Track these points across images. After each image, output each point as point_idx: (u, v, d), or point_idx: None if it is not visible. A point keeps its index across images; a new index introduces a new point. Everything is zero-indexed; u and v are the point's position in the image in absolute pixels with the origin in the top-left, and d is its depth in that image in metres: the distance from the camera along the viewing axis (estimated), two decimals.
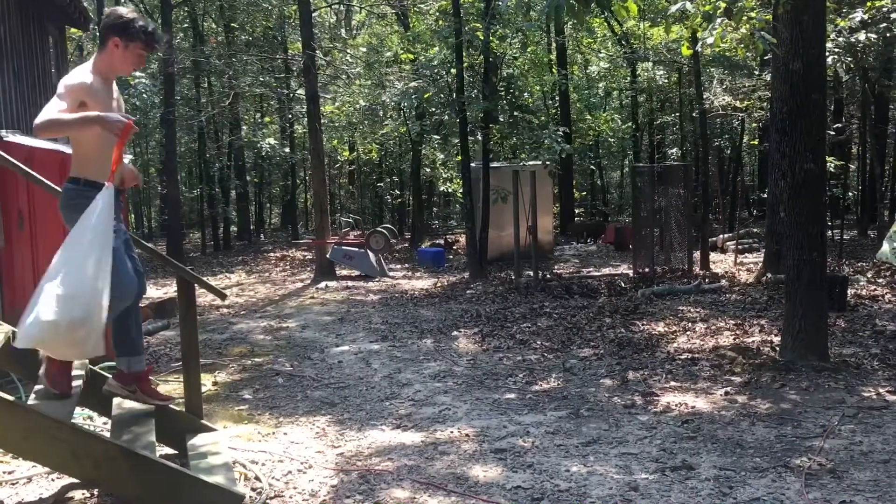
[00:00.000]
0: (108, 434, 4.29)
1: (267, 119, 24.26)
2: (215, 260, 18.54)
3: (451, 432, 5.21)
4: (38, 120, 3.45)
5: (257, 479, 4.39)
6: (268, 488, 4.24)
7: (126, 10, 3.85)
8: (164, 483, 3.66)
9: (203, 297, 10.76)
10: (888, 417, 5.13)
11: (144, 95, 16.86)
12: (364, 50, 20.24)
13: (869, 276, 11.28)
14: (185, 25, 21.18)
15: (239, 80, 19.04)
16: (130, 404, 4.52)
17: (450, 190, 21.14)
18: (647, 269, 12.36)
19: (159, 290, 13.07)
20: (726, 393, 5.86)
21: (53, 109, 3.49)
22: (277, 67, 21.31)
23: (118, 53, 3.76)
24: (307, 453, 4.86)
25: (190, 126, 21.21)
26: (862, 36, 11.80)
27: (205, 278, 12.72)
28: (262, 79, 20.31)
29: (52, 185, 4.45)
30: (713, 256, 14.14)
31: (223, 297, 4.95)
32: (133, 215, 30.28)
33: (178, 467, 3.79)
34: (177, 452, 4.62)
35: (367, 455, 4.81)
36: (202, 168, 22.39)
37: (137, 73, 16.43)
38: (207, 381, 6.64)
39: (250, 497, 4.12)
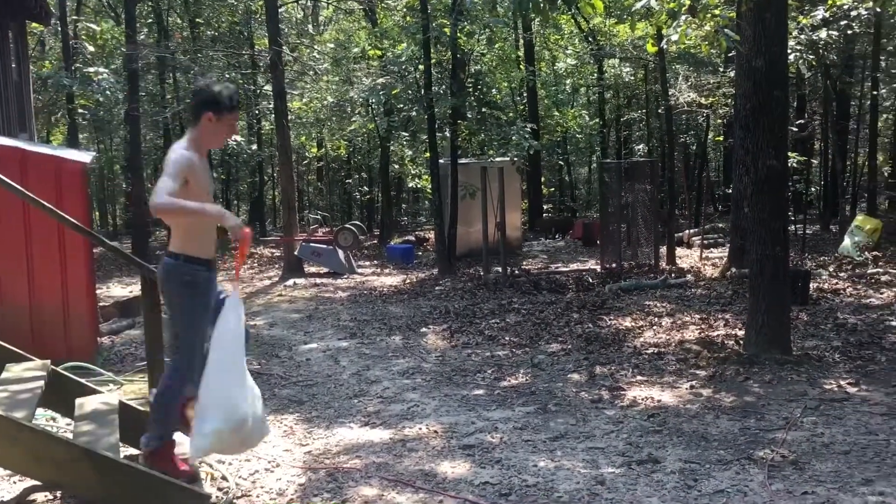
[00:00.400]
0: (70, 435, 4.23)
1: None
2: None
3: (420, 429, 5.21)
4: (158, 200, 3.52)
5: (224, 478, 4.35)
6: (234, 487, 4.21)
7: (214, 83, 3.89)
8: (128, 484, 3.63)
9: None
10: (849, 409, 5.23)
11: (108, 92, 16.59)
12: (331, 46, 20.13)
13: (831, 270, 11.47)
14: (150, 21, 20.89)
15: (205, 76, 18.83)
16: (94, 405, 4.47)
17: (418, 186, 21.12)
18: (614, 265, 12.46)
19: (125, 289, 12.90)
20: (691, 387, 5.93)
21: (165, 190, 3.56)
22: (244, 63, 21.12)
23: (212, 126, 3.87)
24: (275, 452, 4.83)
25: (155, 122, 20.94)
26: (823, 33, 12.00)
27: None
28: (228, 75, 20.10)
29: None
30: (679, 251, 14.29)
31: None
32: (97, 213, 29.85)
33: (142, 468, 3.75)
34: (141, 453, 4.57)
35: (335, 453, 4.80)
36: None
37: (101, 69, 16.21)
38: None
39: (217, 497, 4.08)
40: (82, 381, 4.92)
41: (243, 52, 20.16)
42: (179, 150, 3.76)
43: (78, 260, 7.18)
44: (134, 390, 6.32)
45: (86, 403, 4.51)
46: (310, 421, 5.50)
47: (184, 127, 22.43)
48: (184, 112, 20.46)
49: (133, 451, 4.59)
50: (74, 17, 19.71)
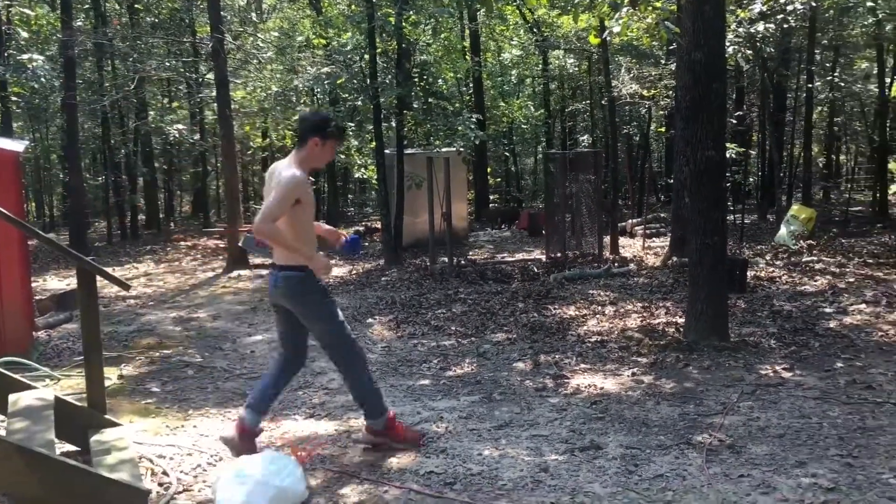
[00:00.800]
0: (3, 432, 4.12)
1: (175, 104, 23.56)
2: (122, 250, 17.95)
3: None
4: (263, 227, 4.05)
5: (165, 473, 4.29)
6: (175, 483, 4.14)
7: (323, 111, 4.14)
8: (64, 482, 3.54)
9: (109, 288, 10.41)
10: (783, 394, 5.38)
11: (43, 79, 16.10)
12: (275, 34, 19.85)
13: (767, 258, 11.77)
14: (87, 6, 20.31)
15: (144, 64, 18.39)
16: (28, 401, 4.36)
17: (364, 177, 20.99)
18: (559, 254, 12.59)
19: (62, 282, 12.58)
20: (633, 374, 6.04)
21: (272, 216, 4.06)
22: (185, 51, 20.70)
23: (317, 150, 4.31)
24: (218, 446, 4.77)
25: (93, 111, 20.39)
26: (761, 27, 12.28)
27: (111, 269, 12.33)
28: (168, 62, 19.69)
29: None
30: (622, 241, 14.51)
31: (126, 287, 4.81)
32: (33, 203, 29.00)
33: (78, 464, 3.67)
34: (79, 449, 4.48)
35: (279, 445, 4.76)
36: (106, 154, 21.59)
37: (36, 56, 15.72)
38: (112, 375, 6.44)
39: (157, 493, 4.02)
40: (16, 376, 4.79)
41: (184, 39, 19.76)
42: (292, 170, 4.16)
43: (12, 252, 6.98)
44: (71, 385, 6.18)
45: (20, 399, 4.40)
46: None
47: (122, 115, 21.95)
48: (122, 100, 20.03)
49: (70, 447, 4.50)
50: (7, 2, 19.05)
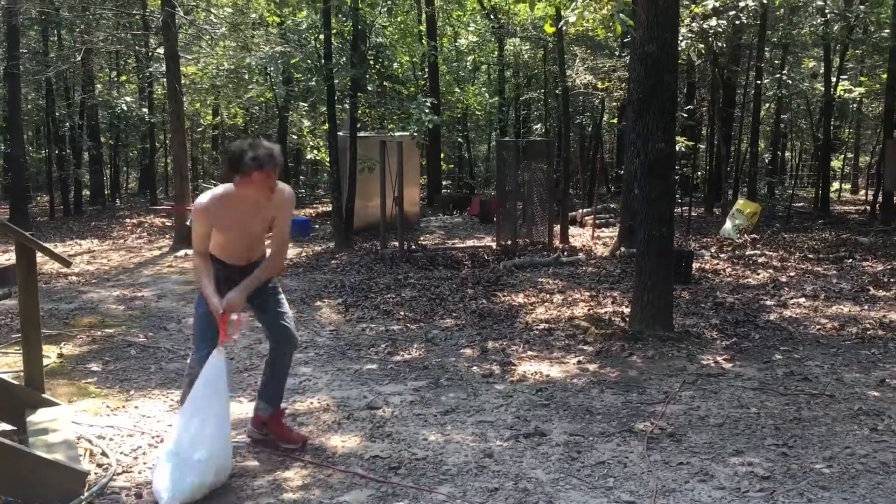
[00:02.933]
0: None
1: (123, 78, 23.01)
2: (66, 225, 17.52)
3: (311, 403, 5.18)
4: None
5: (104, 454, 4.21)
6: (115, 464, 4.07)
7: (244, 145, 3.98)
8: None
9: (50, 265, 10.17)
10: (723, 384, 5.50)
11: None
12: (229, 10, 19.47)
13: (713, 251, 12.01)
14: None
15: (92, 35, 17.89)
16: None
17: (317, 158, 20.80)
18: (509, 242, 12.66)
19: (2, 257, 12.24)
20: (579, 362, 6.11)
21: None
22: (135, 23, 20.19)
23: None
24: (159, 427, 4.70)
25: (37, 81, 19.82)
26: (713, 22, 12.45)
27: (52, 245, 12.04)
28: (117, 35, 19.19)
29: None
30: (572, 230, 14.64)
31: (67, 264, 4.70)
32: None
33: (13, 444, 3.58)
34: (15, 429, 4.37)
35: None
36: (50, 127, 21.00)
37: None
38: (52, 354, 6.30)
39: (95, 474, 3.95)
40: None
41: (134, 12, 19.26)
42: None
43: None
44: (8, 363, 6.03)
45: None
46: None
47: (68, 87, 21.35)
48: (68, 72, 19.47)
49: (5, 426, 4.39)
50: None
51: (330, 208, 16.71)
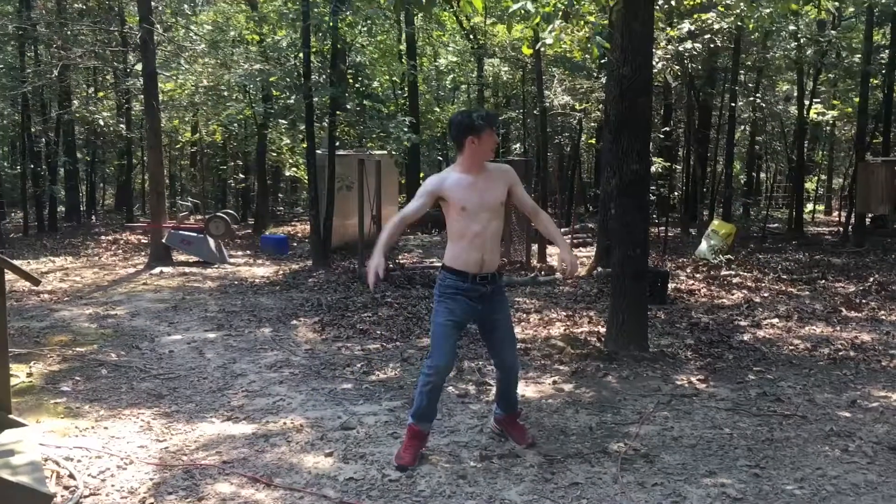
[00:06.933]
0: None
1: (101, 94, 22.88)
2: (39, 242, 17.32)
3: (284, 423, 5.13)
4: None
5: (71, 476, 4.14)
6: (82, 487, 4.01)
7: (466, 110, 4.47)
8: None
9: (21, 283, 10.03)
10: (697, 404, 5.52)
11: None
12: (208, 27, 19.46)
13: (688, 271, 12.09)
14: None
15: (69, 51, 17.80)
16: None
17: (296, 175, 20.74)
18: None
19: None
20: (554, 382, 6.11)
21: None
22: (114, 39, 20.12)
23: (476, 147, 4.39)
24: (129, 448, 4.64)
25: (13, 97, 19.64)
26: (689, 45, 12.61)
27: (25, 262, 11.86)
28: (96, 51, 19.09)
29: None
30: (550, 250, 14.65)
31: (37, 282, 4.64)
32: None
33: None
34: None
35: (193, 449, 4.65)
36: (26, 142, 20.81)
37: None
38: (21, 373, 6.20)
39: (62, 496, 3.88)
40: None
41: (112, 28, 19.20)
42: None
43: None
44: None
45: None
46: (169, 416, 5.31)
47: (45, 102, 21.19)
48: (45, 87, 19.32)
49: None
50: None
51: (308, 226, 16.67)
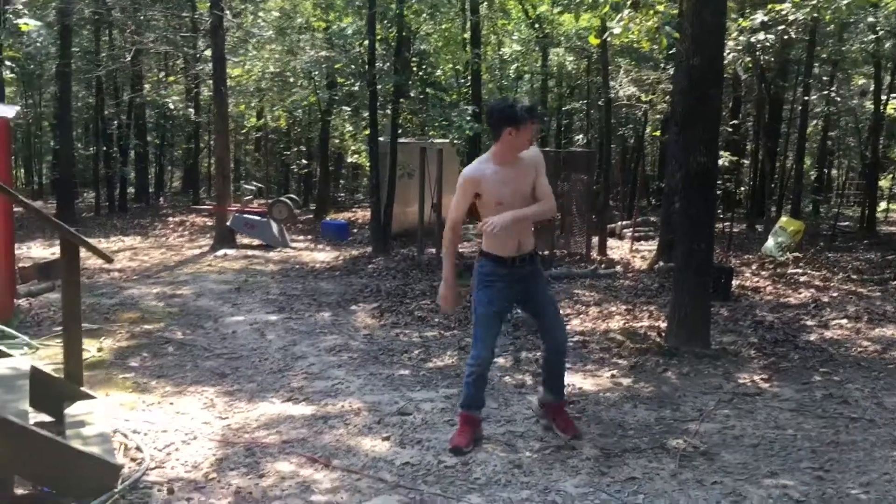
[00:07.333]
0: None
1: (171, 78, 23.42)
2: (110, 222, 17.86)
3: (342, 406, 5.20)
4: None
5: (138, 449, 4.27)
6: (148, 459, 4.13)
7: (507, 99, 4.57)
8: (35, 452, 3.52)
9: (93, 260, 10.36)
10: (760, 404, 5.41)
11: (38, 43, 15.95)
12: (276, 14, 19.71)
13: (753, 268, 11.81)
14: None
15: (142, 36, 18.26)
16: (4, 369, 4.33)
17: (357, 163, 20.92)
18: (546, 252, 12.59)
19: (47, 251, 12.52)
20: (612, 375, 6.05)
21: (453, 210, 4.60)
22: (185, 24, 20.55)
23: (512, 138, 4.32)
24: (193, 424, 4.76)
25: (87, 80, 20.25)
26: (761, 36, 12.27)
27: (96, 240, 12.25)
28: (167, 36, 19.54)
29: None
30: (611, 243, 14.52)
31: (109, 260, 4.79)
32: (22, 170, 28.79)
33: (51, 435, 3.65)
34: (53, 420, 4.46)
35: (254, 427, 4.75)
36: (99, 125, 21.45)
37: (32, 21, 15.57)
38: (92, 347, 6.41)
39: (129, 468, 4.01)
40: None
41: (183, 14, 19.61)
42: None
43: None
44: (49, 356, 6.15)
45: None
46: (231, 394, 5.44)
47: (117, 86, 21.80)
48: (118, 71, 19.86)
49: (44, 417, 4.47)
50: None
51: (368, 213, 16.81)
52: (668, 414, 5.16)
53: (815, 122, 21.02)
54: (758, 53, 13.59)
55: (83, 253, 4.53)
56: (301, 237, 15.53)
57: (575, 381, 5.89)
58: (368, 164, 15.66)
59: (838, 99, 17.41)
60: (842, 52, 17.65)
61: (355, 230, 16.53)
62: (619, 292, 9.82)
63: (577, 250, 12.86)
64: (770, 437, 4.74)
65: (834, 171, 27.31)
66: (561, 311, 4.47)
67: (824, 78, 19.31)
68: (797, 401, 5.50)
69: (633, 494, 3.91)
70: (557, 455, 4.39)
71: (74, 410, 4.31)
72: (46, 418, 4.49)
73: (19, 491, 3.72)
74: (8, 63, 18.08)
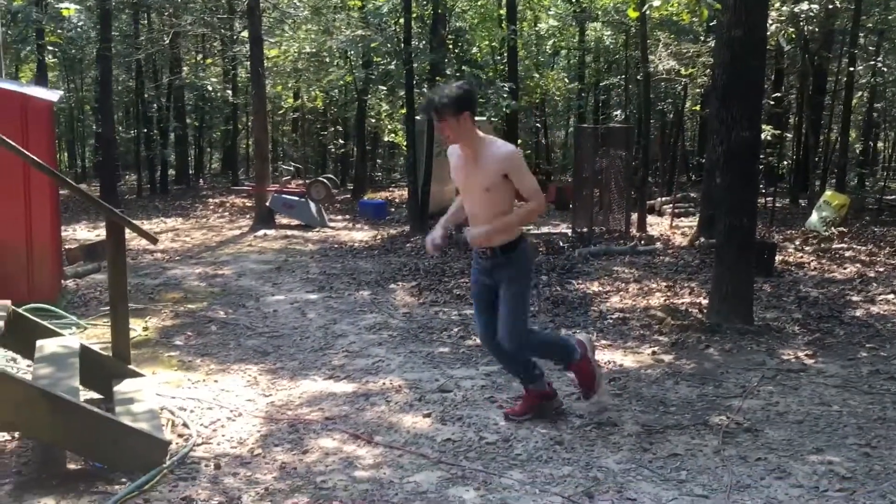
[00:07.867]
0: (29, 377, 4.20)
1: (209, 61, 23.59)
2: (151, 204, 18.12)
3: (384, 384, 5.24)
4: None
5: (185, 425, 4.36)
6: (195, 435, 4.21)
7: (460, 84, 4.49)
8: (86, 428, 3.62)
9: (137, 241, 10.53)
10: (804, 380, 5.34)
11: (79, 29, 16.17)
12: None
13: (797, 243, 11.62)
14: None
15: (180, 18, 18.40)
16: (54, 348, 4.44)
17: (394, 142, 20.93)
18: (585, 229, 12.52)
19: (91, 232, 12.76)
20: (653, 352, 6.02)
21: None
22: (221, 6, 20.67)
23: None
24: (237, 401, 4.85)
25: (127, 63, 20.48)
26: (805, 6, 11.98)
27: (139, 222, 12.46)
28: (204, 18, 19.68)
29: None
30: (650, 219, 14.37)
31: (154, 241, 4.87)
32: (66, 153, 29.30)
33: (101, 412, 3.74)
34: (102, 397, 4.57)
35: (297, 404, 4.82)
36: (139, 108, 21.71)
37: (72, 5, 15.79)
38: (138, 327, 6.54)
39: (177, 444, 4.09)
40: (44, 322, 4.87)
41: None
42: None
43: (43, 200, 7.07)
44: (97, 335, 6.29)
45: (46, 346, 4.48)
46: (274, 372, 5.51)
47: (157, 69, 22.03)
48: (157, 54, 20.06)
49: (93, 395, 4.58)
50: None
51: (405, 192, 16.84)
52: (711, 390, 5.12)
53: (860, 93, 20.49)
54: (801, 23, 13.27)
55: (128, 234, 4.61)
56: (339, 217, 15.62)
57: (615, 357, 5.87)
58: (405, 143, 15.67)
59: (885, 69, 16.94)
60: (888, 20, 17.13)
61: (392, 209, 16.57)
62: (659, 269, 9.74)
63: (617, 227, 12.76)
64: (815, 414, 4.68)
65: (880, 144, 26.63)
66: (513, 314, 4.30)
67: (870, 48, 18.79)
68: (843, 377, 5.42)
69: (676, 471, 3.89)
70: (599, 431, 4.38)
71: (123, 388, 4.41)
72: (96, 395, 4.60)
73: (71, 466, 3.83)
74: (50, 48, 18.39)
